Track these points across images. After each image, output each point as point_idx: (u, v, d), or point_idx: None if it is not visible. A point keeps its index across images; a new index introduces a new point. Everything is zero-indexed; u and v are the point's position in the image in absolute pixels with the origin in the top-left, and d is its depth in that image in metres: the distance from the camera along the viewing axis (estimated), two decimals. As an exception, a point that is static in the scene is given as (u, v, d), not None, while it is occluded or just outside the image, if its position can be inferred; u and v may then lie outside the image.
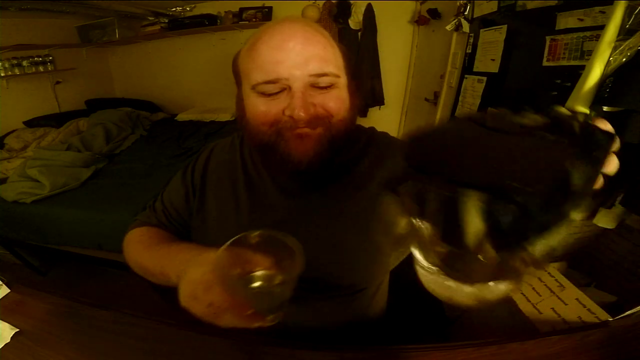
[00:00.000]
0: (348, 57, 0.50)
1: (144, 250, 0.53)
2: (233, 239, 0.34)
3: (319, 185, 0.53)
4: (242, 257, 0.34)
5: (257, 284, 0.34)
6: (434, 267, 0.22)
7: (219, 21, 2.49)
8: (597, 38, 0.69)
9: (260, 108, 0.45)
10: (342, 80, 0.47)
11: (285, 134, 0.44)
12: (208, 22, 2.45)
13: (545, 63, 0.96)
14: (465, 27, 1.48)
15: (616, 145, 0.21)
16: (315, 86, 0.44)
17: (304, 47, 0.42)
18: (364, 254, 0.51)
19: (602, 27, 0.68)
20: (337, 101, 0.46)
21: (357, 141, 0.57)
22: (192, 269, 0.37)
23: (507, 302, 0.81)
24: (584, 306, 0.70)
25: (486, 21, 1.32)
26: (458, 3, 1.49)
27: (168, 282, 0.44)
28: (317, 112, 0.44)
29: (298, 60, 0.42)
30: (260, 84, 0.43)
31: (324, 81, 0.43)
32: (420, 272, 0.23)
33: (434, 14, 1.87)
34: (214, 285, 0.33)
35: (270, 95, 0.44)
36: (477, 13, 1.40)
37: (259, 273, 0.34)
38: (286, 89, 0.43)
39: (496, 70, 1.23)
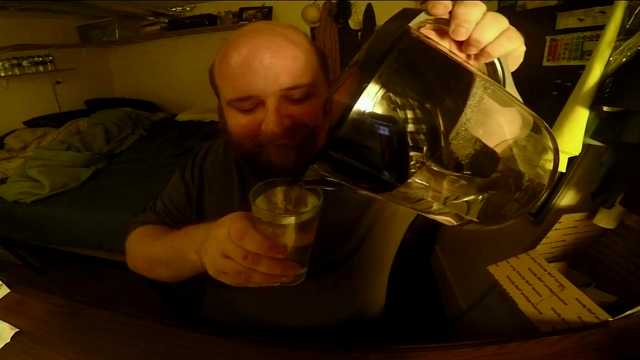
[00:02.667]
0: (324, 60, 0.49)
1: (153, 242, 0.52)
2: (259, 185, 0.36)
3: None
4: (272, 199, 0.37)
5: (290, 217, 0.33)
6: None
7: (219, 21, 2.49)
8: (597, 38, 0.70)
9: (239, 122, 0.45)
10: (318, 86, 0.46)
11: (266, 145, 0.44)
12: (208, 22, 2.45)
13: (545, 63, 0.96)
14: (465, 27, 1.48)
15: None
16: (289, 98, 0.43)
17: (272, 61, 0.41)
18: (342, 224, 0.53)
19: (602, 27, 0.69)
20: (313, 111, 0.44)
21: None
22: (214, 230, 0.35)
23: (507, 302, 0.81)
24: (584, 306, 0.70)
25: (486, 21, 1.32)
26: (458, 3, 1.49)
27: (184, 264, 0.44)
28: (293, 124, 0.43)
29: (267, 76, 0.41)
30: (234, 101, 0.43)
31: (296, 93, 0.43)
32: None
33: (434, 14, 1.87)
34: (248, 231, 0.32)
35: (246, 110, 0.44)
36: (477, 13, 1.40)
37: (290, 207, 0.35)
38: (260, 103, 0.43)
39: (496, 70, 1.23)
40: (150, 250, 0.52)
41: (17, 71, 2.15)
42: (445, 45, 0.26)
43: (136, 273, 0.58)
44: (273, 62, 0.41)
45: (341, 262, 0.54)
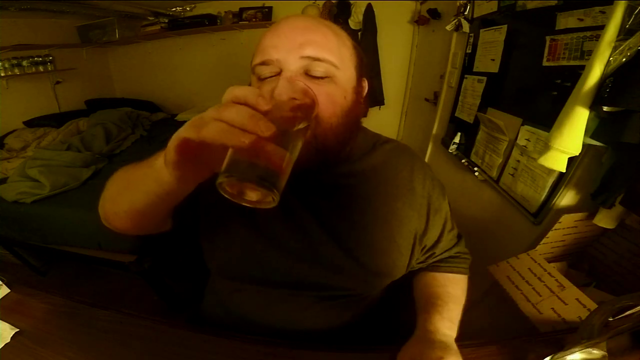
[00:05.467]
0: (361, 58, 0.49)
1: (129, 167, 0.44)
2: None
3: (320, 189, 0.52)
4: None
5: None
6: None
7: (219, 21, 2.49)
8: (597, 38, 0.70)
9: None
10: (344, 76, 0.45)
11: None
12: (208, 22, 2.45)
13: (545, 63, 0.96)
14: (465, 27, 1.48)
15: None
16: (308, 74, 0.42)
17: (302, 33, 0.42)
18: (366, 262, 0.51)
19: (602, 27, 0.69)
20: (328, 97, 0.42)
21: (367, 140, 0.57)
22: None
23: (507, 302, 0.81)
24: (584, 306, 0.70)
25: (486, 21, 1.32)
26: (458, 3, 1.49)
27: (147, 175, 0.37)
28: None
29: (293, 43, 0.42)
30: (256, 66, 0.44)
31: (318, 68, 0.42)
32: None
33: (434, 14, 1.87)
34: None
35: (263, 78, 0.44)
36: (477, 13, 1.40)
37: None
38: (279, 73, 0.42)
39: (496, 70, 1.23)
40: (125, 173, 0.45)
41: (17, 71, 2.15)
42: None
43: (136, 276, 0.56)
44: (303, 34, 0.42)
45: (346, 294, 0.54)
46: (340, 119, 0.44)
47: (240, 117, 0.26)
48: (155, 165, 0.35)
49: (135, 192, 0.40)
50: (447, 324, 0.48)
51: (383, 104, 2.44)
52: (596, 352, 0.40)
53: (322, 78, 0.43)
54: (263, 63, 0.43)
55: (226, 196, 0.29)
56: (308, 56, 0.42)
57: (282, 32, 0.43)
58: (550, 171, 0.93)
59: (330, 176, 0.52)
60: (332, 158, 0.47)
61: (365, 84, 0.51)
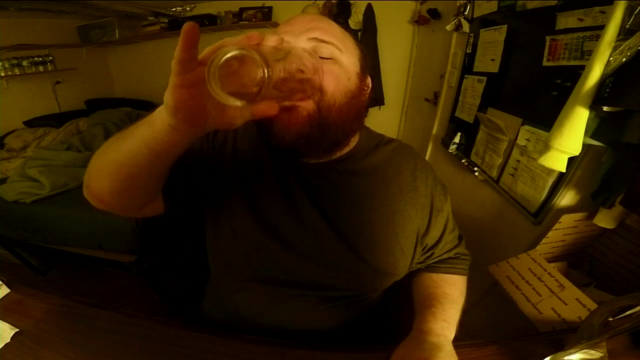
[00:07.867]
0: (364, 54, 0.52)
1: (119, 132, 0.43)
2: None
3: (325, 187, 0.52)
4: None
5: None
6: None
7: (219, 21, 2.49)
8: (597, 38, 0.70)
9: None
10: (347, 61, 0.47)
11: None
12: (208, 22, 2.44)
13: (545, 63, 0.96)
14: (465, 27, 1.48)
15: None
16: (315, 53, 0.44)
17: (310, 21, 0.47)
18: (370, 260, 0.51)
19: (602, 27, 0.69)
20: (332, 74, 0.45)
21: (370, 140, 0.58)
22: None
23: (507, 302, 0.81)
24: (584, 306, 0.70)
25: (486, 21, 1.32)
26: (458, 3, 1.49)
27: (149, 118, 0.37)
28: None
29: (302, 28, 0.45)
30: None
31: (324, 50, 0.45)
32: None
33: (434, 14, 1.87)
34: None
35: None
36: (477, 13, 1.40)
37: None
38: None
39: (496, 70, 1.23)
40: (116, 138, 0.43)
41: (17, 71, 2.15)
42: None
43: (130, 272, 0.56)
44: (311, 22, 0.46)
45: (349, 295, 0.54)
46: (343, 97, 0.46)
47: (245, 36, 0.31)
48: (154, 111, 0.36)
49: (124, 140, 0.39)
50: (441, 324, 0.48)
51: (383, 104, 2.44)
52: (596, 353, 0.40)
53: (327, 59, 0.45)
54: None
55: (205, 76, 0.29)
56: (315, 38, 0.45)
57: (292, 22, 0.47)
58: (550, 171, 0.93)
59: (335, 173, 0.53)
60: (334, 137, 0.47)
61: (369, 81, 0.52)
